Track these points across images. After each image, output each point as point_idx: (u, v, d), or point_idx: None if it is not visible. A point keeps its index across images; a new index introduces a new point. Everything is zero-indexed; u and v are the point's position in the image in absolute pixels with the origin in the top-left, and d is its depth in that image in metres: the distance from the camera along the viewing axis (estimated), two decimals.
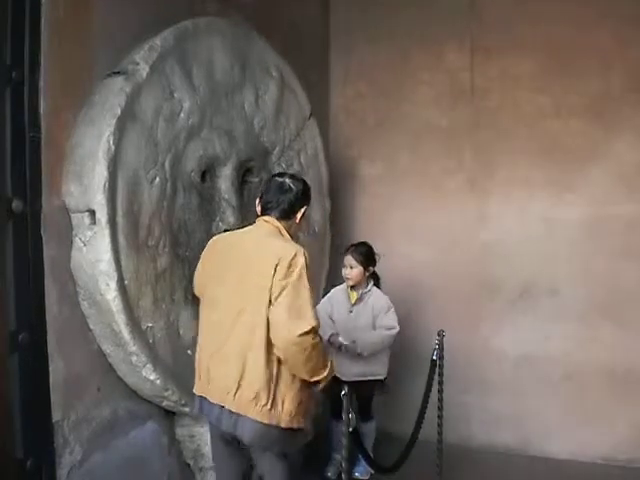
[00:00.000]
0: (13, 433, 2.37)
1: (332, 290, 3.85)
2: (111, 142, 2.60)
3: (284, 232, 2.55)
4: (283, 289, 2.34)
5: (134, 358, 2.72)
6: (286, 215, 2.57)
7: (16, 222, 2.39)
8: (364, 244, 3.74)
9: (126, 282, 2.66)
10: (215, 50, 3.19)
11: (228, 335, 2.43)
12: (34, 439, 2.43)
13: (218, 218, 3.24)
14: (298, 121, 3.89)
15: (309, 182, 2.76)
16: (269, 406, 2.39)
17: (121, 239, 2.65)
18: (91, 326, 2.70)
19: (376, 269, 3.75)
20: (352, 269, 3.64)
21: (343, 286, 3.76)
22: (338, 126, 4.92)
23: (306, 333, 2.32)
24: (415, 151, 4.69)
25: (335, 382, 3.49)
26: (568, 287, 4.31)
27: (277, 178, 2.66)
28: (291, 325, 2.31)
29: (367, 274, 3.69)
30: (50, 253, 2.53)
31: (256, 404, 2.38)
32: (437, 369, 3.46)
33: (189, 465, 3.11)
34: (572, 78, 4.27)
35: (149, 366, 2.74)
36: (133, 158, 2.72)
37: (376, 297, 3.70)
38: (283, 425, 2.41)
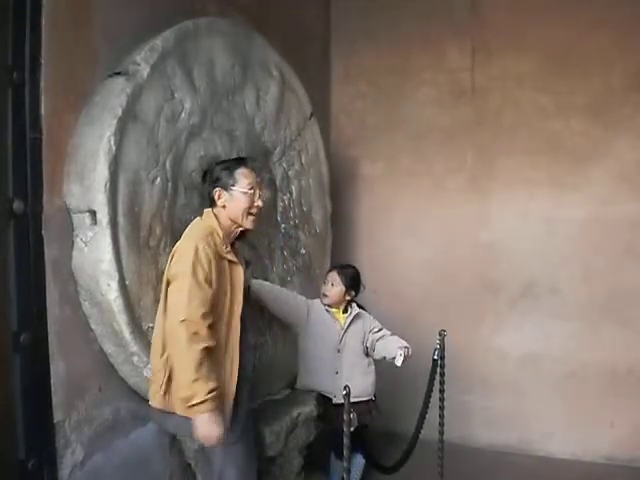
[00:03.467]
0: (15, 434, 2.37)
1: (313, 301, 3.53)
2: (112, 142, 2.60)
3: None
4: None
5: (135, 358, 2.72)
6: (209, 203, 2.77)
7: (17, 223, 2.39)
8: (352, 267, 3.58)
9: (127, 282, 2.66)
10: (216, 50, 3.18)
11: None
12: (36, 439, 2.43)
13: None
14: (299, 121, 3.88)
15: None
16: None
17: (122, 239, 2.64)
18: (92, 326, 2.69)
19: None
20: (333, 287, 3.44)
21: (322, 305, 3.49)
22: (339, 126, 4.92)
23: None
24: (416, 151, 4.70)
25: (329, 407, 3.37)
26: (569, 286, 4.31)
27: None
28: None
29: (347, 298, 3.47)
30: (51, 253, 2.53)
31: None
32: (438, 369, 3.46)
33: (190, 465, 3.11)
34: (573, 78, 4.27)
35: (150, 366, 2.74)
36: (134, 158, 2.72)
37: (366, 319, 3.51)
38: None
